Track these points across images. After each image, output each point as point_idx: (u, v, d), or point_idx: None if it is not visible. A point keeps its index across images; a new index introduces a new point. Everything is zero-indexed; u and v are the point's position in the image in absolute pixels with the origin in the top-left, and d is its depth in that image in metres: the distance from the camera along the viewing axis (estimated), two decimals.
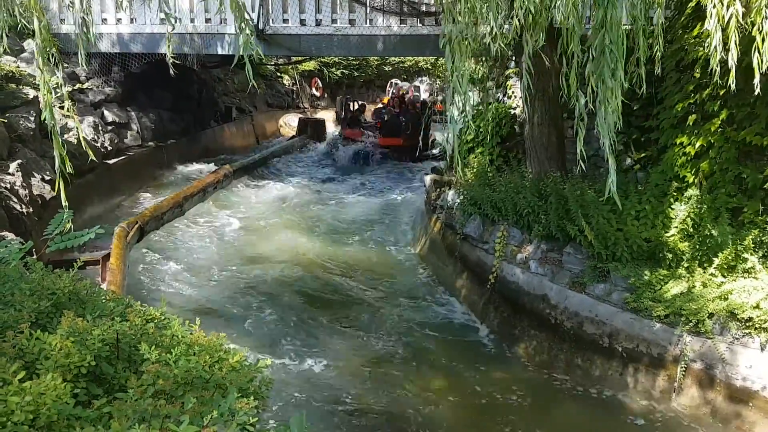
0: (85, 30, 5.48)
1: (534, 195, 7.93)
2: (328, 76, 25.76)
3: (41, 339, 2.16)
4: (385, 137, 18.02)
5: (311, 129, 20.51)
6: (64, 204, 5.01)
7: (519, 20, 4.98)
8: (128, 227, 9.70)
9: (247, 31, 4.81)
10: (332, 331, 7.82)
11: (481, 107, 10.83)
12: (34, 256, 3.60)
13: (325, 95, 26.29)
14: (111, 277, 7.48)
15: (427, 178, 11.29)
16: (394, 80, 26.50)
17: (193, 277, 9.23)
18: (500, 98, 11.55)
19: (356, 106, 20.60)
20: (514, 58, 10.70)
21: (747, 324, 5.67)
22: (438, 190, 10.58)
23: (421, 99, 21.05)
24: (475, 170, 9.67)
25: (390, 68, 29.47)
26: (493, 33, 5.18)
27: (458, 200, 9.25)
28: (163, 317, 2.45)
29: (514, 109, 10.68)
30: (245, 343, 7.07)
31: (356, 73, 27.63)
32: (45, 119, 5.21)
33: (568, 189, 7.50)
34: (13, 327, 2.37)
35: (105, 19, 12.41)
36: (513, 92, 11.10)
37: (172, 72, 5.95)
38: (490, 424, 6.03)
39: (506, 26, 5.49)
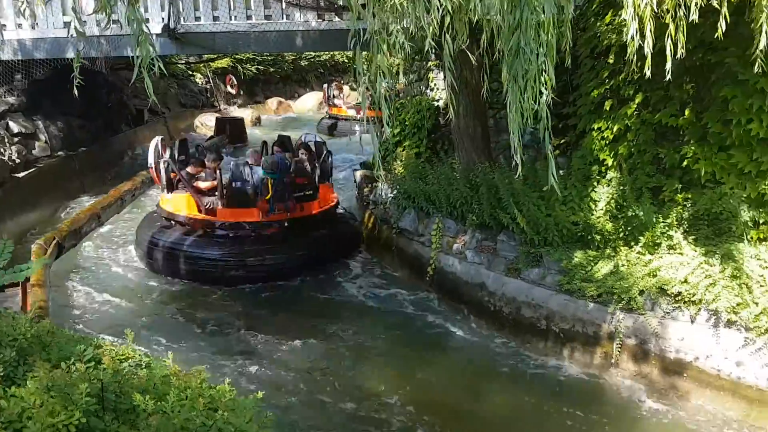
0: None
1: (465, 186, 8.05)
2: (242, 72, 25.19)
3: (18, 396, 1.97)
4: (227, 207, 9.25)
5: (230, 128, 19.77)
6: None
7: (437, 19, 4.95)
8: (45, 244, 9.19)
9: (148, 46, 4.56)
10: (268, 324, 7.72)
11: (404, 101, 10.86)
12: None
13: (241, 92, 25.73)
14: (34, 299, 7.01)
15: (357, 174, 11.22)
16: (333, 82, 22.85)
17: (114, 293, 8.75)
18: (423, 90, 11.66)
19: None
20: (434, 51, 10.80)
21: (676, 298, 5.96)
22: (370, 185, 10.53)
23: (315, 140, 10.78)
24: (404, 163, 9.71)
25: (306, 63, 29.12)
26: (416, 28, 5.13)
27: (391, 195, 9.25)
28: (138, 356, 2.30)
29: (437, 101, 10.79)
30: (186, 356, 6.85)
31: (272, 69, 27.17)
32: None
33: (497, 178, 7.66)
34: None
35: (4, 26, 11.59)
36: (435, 84, 11.22)
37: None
38: (434, 400, 6.18)
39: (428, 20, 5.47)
